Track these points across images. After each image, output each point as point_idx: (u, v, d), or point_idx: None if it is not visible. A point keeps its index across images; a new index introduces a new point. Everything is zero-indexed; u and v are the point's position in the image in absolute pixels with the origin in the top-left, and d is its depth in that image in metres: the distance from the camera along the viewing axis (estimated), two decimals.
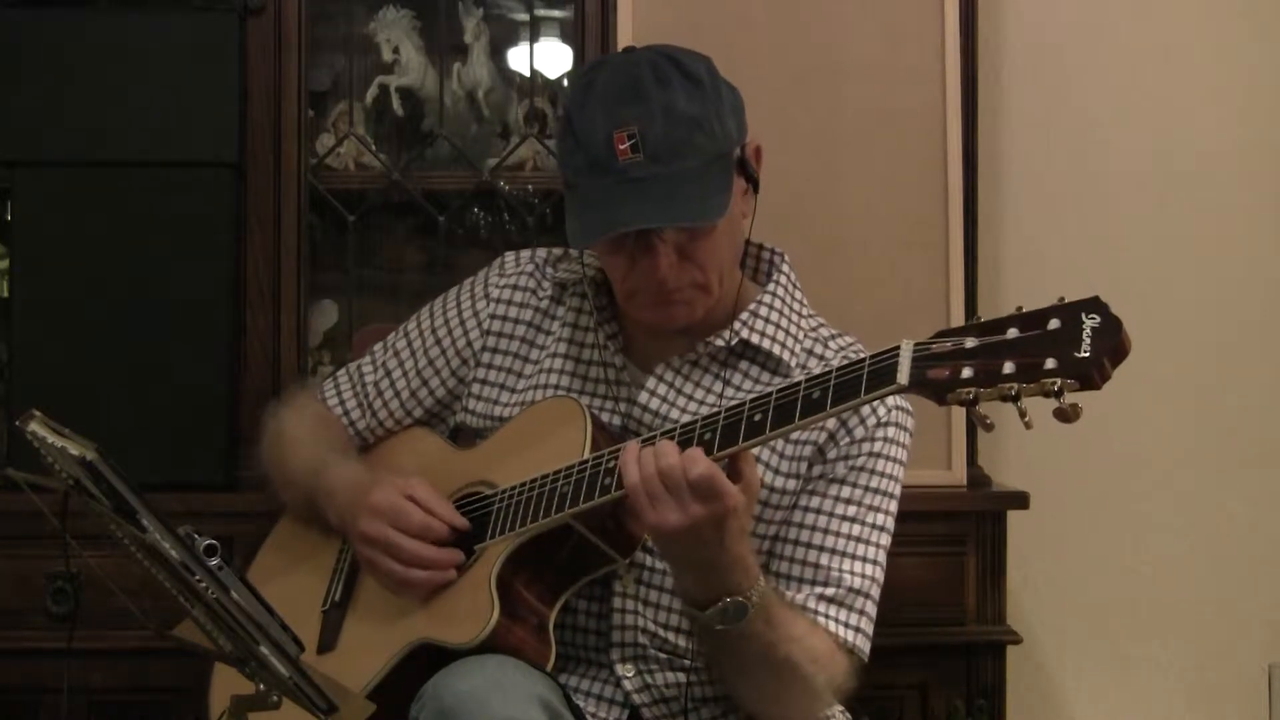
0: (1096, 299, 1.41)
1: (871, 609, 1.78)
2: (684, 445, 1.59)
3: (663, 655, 1.79)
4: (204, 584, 1.40)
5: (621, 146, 1.67)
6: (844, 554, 1.76)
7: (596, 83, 1.73)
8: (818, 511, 1.77)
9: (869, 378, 1.51)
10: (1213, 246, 2.87)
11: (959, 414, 2.45)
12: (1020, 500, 2.50)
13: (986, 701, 2.45)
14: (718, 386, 1.81)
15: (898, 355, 1.49)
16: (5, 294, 2.59)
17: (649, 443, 1.63)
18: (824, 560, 1.76)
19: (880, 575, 1.79)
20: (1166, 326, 2.83)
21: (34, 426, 1.43)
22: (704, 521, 1.56)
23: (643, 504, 1.59)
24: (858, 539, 1.77)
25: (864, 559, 1.77)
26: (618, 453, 1.65)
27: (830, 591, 1.75)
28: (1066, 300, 1.42)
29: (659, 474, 1.57)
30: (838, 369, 1.54)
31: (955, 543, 2.46)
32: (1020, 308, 1.45)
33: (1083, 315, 1.40)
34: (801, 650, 1.68)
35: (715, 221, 1.69)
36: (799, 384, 1.57)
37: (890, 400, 1.77)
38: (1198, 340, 2.87)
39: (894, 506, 1.80)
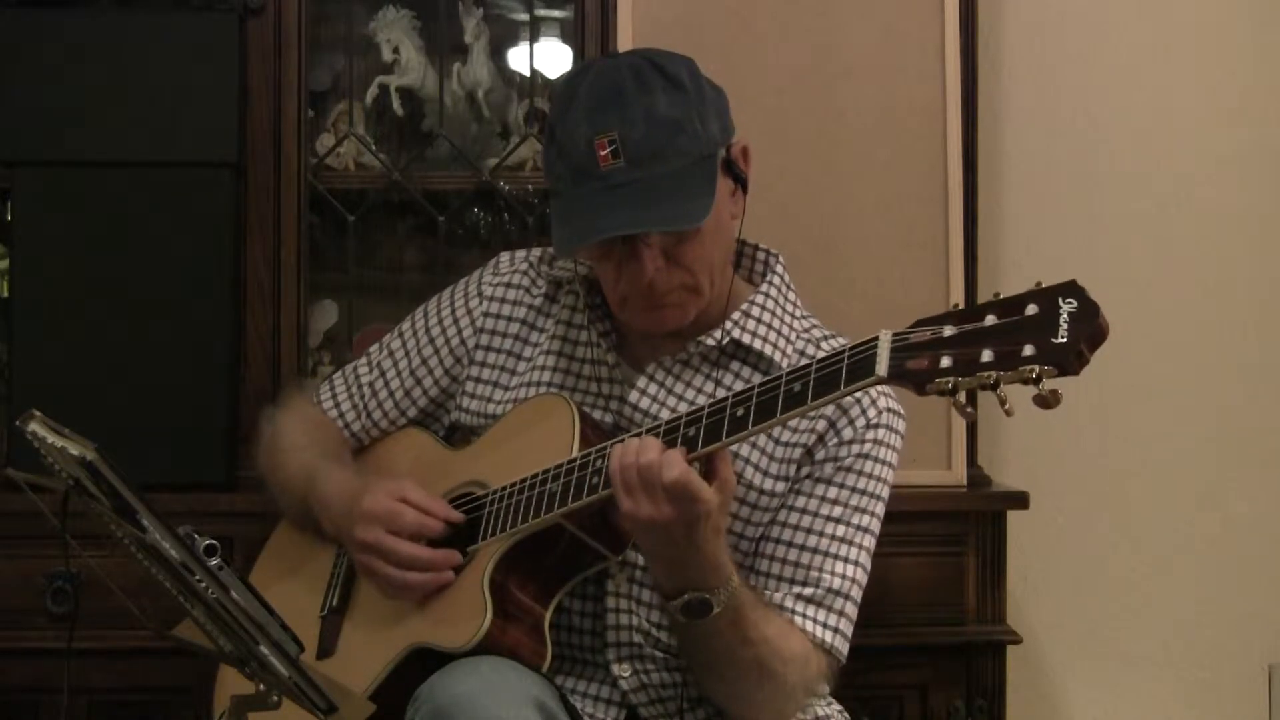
0: (1073, 283, 1.39)
1: (851, 610, 1.77)
2: (668, 442, 1.60)
3: (659, 654, 1.79)
4: (204, 584, 1.40)
5: (603, 153, 1.68)
6: (826, 554, 1.76)
7: (579, 90, 1.73)
8: (802, 511, 1.77)
9: (848, 370, 1.50)
10: (1212, 246, 2.87)
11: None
12: (1020, 500, 2.49)
13: (986, 701, 2.45)
14: (709, 386, 1.81)
15: (876, 347, 1.48)
16: (5, 294, 2.59)
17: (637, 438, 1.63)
18: (805, 559, 1.76)
19: (862, 577, 1.78)
20: (1166, 326, 2.83)
21: (34, 426, 1.43)
22: (675, 521, 1.57)
23: (619, 491, 1.60)
24: (841, 539, 1.76)
25: (846, 559, 1.76)
26: (605, 451, 1.65)
27: (809, 591, 1.75)
28: (1044, 285, 1.41)
29: (637, 469, 1.58)
30: (817, 362, 1.54)
31: (955, 542, 2.46)
32: (998, 293, 1.44)
33: (1060, 300, 1.38)
34: (771, 651, 1.68)
35: (698, 224, 1.69)
36: (780, 378, 1.57)
37: (882, 402, 1.78)
38: (1198, 340, 2.86)
39: (880, 509, 1.80)
